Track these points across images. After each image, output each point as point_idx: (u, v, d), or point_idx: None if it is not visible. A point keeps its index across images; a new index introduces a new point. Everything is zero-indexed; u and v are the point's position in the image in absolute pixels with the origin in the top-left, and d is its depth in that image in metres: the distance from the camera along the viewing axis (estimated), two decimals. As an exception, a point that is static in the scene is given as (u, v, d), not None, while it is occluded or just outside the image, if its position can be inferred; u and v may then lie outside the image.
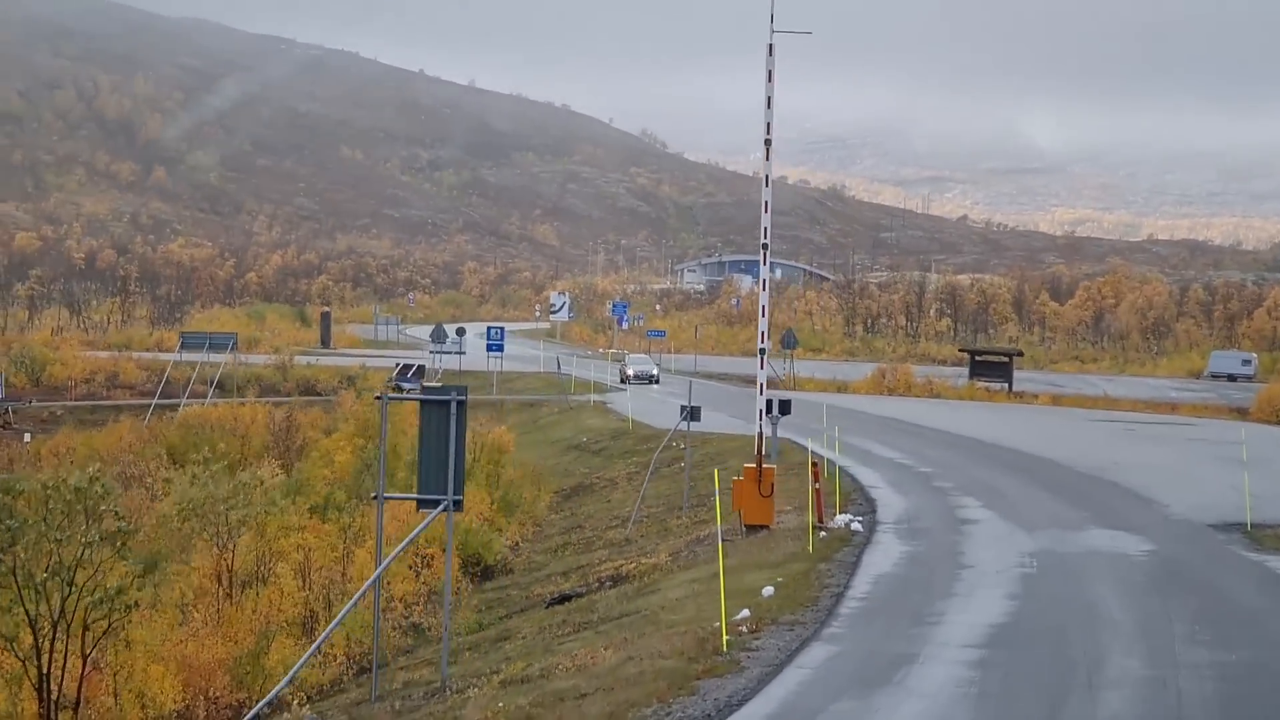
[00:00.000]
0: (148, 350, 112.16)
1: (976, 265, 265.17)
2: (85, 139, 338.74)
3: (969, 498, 43.04)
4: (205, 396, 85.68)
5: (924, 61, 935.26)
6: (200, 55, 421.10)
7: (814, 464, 36.89)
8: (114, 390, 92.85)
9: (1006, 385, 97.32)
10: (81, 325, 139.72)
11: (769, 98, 34.14)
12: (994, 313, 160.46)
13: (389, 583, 37.85)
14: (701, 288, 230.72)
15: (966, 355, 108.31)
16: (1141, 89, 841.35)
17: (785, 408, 44.61)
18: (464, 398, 26.48)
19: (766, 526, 37.33)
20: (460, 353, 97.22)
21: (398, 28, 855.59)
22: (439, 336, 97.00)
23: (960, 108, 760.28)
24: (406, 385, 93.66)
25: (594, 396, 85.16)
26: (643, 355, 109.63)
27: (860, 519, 38.14)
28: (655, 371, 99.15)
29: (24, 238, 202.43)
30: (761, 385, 36.76)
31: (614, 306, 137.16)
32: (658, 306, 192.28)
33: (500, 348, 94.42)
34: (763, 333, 35.88)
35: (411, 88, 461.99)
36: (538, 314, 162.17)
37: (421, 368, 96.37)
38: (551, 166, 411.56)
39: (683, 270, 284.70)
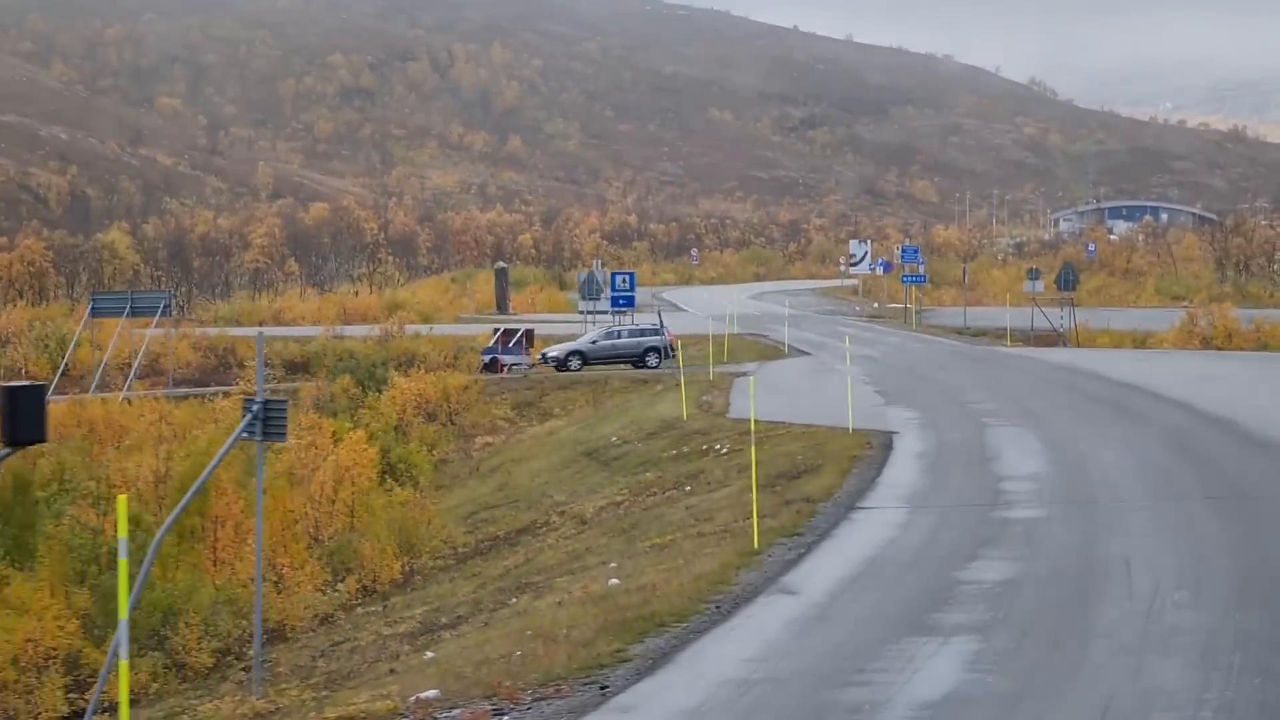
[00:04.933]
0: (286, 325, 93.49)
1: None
2: (439, 111, 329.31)
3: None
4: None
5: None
6: (561, 20, 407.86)
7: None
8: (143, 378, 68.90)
9: (1384, 334, 74.20)
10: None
11: None
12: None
13: None
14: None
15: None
16: None
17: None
18: None
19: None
20: (618, 310, 72.19)
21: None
22: (591, 290, 72.47)
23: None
24: (508, 360, 68.59)
25: (745, 367, 61.72)
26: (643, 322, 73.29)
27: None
28: (575, 347, 68.03)
29: (318, 209, 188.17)
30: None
31: (903, 251, 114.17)
32: (998, 256, 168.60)
33: (630, 301, 70.51)
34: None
35: (784, 46, 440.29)
36: (842, 268, 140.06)
37: (529, 333, 72.12)
38: (932, 120, 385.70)
39: (1058, 219, 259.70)
